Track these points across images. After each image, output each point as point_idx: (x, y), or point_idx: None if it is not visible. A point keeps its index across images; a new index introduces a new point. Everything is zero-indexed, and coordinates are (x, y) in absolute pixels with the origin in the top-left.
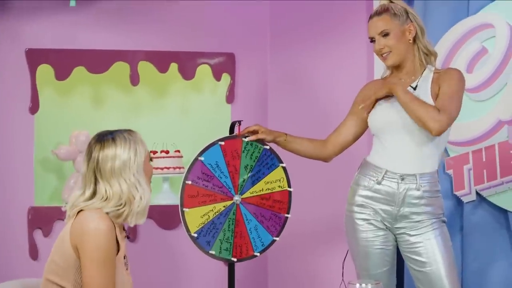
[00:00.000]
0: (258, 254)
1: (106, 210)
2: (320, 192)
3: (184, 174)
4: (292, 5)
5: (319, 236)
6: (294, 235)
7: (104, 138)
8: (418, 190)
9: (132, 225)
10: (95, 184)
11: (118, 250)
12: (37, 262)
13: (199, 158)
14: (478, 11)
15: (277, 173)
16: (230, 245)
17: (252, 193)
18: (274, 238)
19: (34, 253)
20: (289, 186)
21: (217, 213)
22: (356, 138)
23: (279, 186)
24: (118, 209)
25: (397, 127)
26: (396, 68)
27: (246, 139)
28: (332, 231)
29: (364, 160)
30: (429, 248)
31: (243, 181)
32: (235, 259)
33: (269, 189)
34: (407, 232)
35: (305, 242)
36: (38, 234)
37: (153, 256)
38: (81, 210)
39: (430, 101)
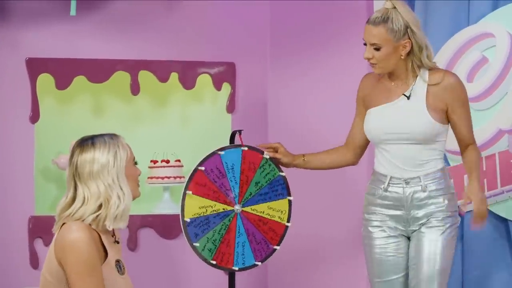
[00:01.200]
0: (236, 269)
1: (87, 218)
2: (323, 205)
3: (199, 161)
4: (293, 14)
5: (320, 248)
6: (294, 246)
7: (85, 142)
8: (424, 191)
9: (110, 228)
10: (75, 188)
11: (106, 256)
12: (38, 271)
13: (219, 152)
14: (478, 20)
15: (282, 204)
16: (215, 248)
17: (253, 210)
18: (256, 263)
19: (34, 262)
20: (288, 221)
21: (214, 212)
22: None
23: (279, 217)
24: (98, 214)
25: (392, 136)
26: (388, 73)
27: (265, 154)
28: (334, 244)
29: (373, 169)
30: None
31: (250, 195)
32: (214, 262)
33: (269, 215)
34: (421, 231)
35: (305, 253)
36: (38, 243)
37: (153, 265)
38: (64, 223)
39: (425, 112)
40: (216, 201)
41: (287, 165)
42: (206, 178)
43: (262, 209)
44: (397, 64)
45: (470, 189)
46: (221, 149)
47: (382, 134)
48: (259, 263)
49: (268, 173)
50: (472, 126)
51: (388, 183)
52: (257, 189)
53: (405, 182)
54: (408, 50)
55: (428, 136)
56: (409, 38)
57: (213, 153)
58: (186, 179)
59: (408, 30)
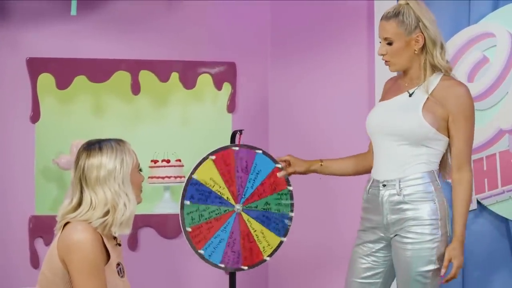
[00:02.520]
0: (202, 252)
1: (94, 222)
2: (323, 208)
3: (237, 142)
4: (293, 14)
5: (320, 249)
6: (295, 246)
7: (91, 146)
8: (399, 195)
9: (116, 234)
10: (81, 192)
11: (108, 259)
12: (38, 271)
13: (257, 150)
14: (479, 20)
15: (274, 239)
16: (197, 221)
17: (248, 221)
18: (219, 264)
19: (35, 261)
20: (269, 256)
21: (218, 193)
22: None
23: (263, 247)
24: (105, 220)
25: (379, 132)
26: (403, 71)
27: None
28: (334, 245)
29: None
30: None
31: (255, 207)
32: (189, 230)
33: (258, 237)
34: (395, 241)
35: (306, 254)
36: (39, 243)
37: (153, 265)
38: (68, 222)
39: (418, 110)
40: (226, 185)
41: (304, 173)
42: (234, 160)
43: (256, 227)
44: (411, 61)
45: (452, 251)
46: (261, 150)
47: (374, 127)
48: (222, 266)
49: (282, 204)
50: (470, 146)
51: (370, 185)
52: (264, 208)
53: (382, 185)
54: (421, 44)
55: (414, 136)
56: (421, 32)
57: (252, 147)
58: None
59: (420, 24)
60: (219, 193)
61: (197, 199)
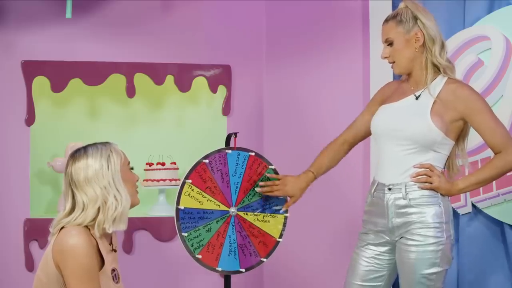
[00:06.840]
0: (219, 270)
1: (87, 224)
2: (320, 210)
3: (205, 154)
4: (288, 17)
5: (316, 251)
6: (290, 249)
7: (77, 152)
8: (405, 199)
9: (110, 231)
10: (73, 197)
11: (103, 264)
12: (33, 274)
13: (227, 150)
14: (474, 23)
15: (278, 218)
16: (202, 243)
17: (248, 217)
18: (240, 270)
19: (30, 264)
20: (280, 237)
21: (209, 208)
22: (368, 134)
23: (272, 231)
24: (98, 219)
25: (386, 135)
26: (408, 74)
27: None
28: (330, 247)
29: None
30: (397, 259)
31: (248, 201)
32: (199, 257)
33: (262, 226)
34: (401, 243)
35: (301, 256)
36: (34, 246)
37: (149, 268)
38: (63, 227)
39: (425, 114)
40: (213, 197)
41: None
42: (209, 172)
43: (257, 218)
44: (413, 60)
45: (444, 184)
46: (229, 148)
47: (382, 130)
48: (243, 270)
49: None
50: (501, 132)
51: (375, 189)
52: (256, 198)
53: (388, 189)
54: (421, 42)
55: (423, 140)
56: (420, 30)
57: (220, 150)
58: (189, 168)
59: (418, 21)
60: (210, 208)
61: (192, 225)
